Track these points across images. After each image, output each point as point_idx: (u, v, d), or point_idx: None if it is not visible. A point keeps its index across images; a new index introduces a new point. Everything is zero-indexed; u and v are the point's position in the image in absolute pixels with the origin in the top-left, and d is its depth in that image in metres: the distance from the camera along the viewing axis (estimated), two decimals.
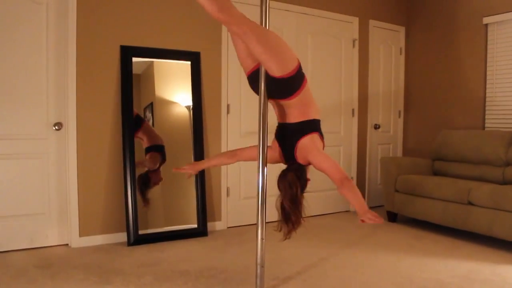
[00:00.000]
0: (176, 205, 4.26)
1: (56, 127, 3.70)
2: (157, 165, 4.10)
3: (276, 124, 2.67)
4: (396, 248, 3.79)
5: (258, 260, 2.70)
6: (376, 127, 5.44)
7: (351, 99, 5.21)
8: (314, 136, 2.51)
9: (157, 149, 4.13)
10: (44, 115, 3.69)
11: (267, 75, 2.44)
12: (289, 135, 2.55)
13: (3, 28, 3.52)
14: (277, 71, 2.36)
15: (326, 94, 5.00)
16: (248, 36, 2.27)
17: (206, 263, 3.36)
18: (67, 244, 3.77)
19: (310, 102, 2.54)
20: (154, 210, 4.09)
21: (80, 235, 3.77)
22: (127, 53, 3.91)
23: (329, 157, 2.47)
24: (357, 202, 2.31)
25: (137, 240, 3.82)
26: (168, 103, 4.18)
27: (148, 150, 4.10)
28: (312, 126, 2.54)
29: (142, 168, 4.01)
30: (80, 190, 3.77)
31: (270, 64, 2.35)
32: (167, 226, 4.08)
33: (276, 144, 2.63)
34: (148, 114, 4.15)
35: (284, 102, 2.51)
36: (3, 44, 3.53)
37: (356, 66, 5.22)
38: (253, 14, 2.67)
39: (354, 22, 5.19)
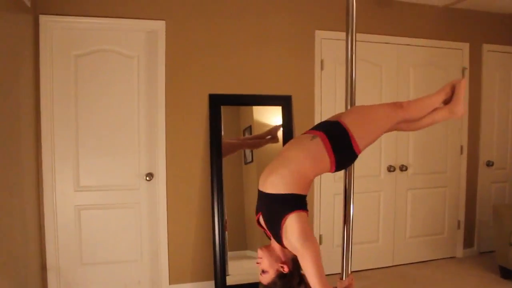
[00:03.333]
0: None
1: (147, 178, 3.78)
2: None
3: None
4: None
5: None
6: (489, 164, 4.84)
7: (459, 135, 4.69)
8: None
9: None
10: (136, 166, 3.79)
11: None
12: None
13: (102, 84, 3.67)
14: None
15: (430, 131, 4.53)
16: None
17: None
18: None
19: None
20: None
21: (170, 283, 3.84)
22: (215, 102, 3.86)
23: None
24: None
25: None
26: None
27: None
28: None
29: None
30: (170, 238, 3.82)
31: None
32: None
33: None
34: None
35: None
36: (101, 99, 3.68)
37: (466, 97, 4.67)
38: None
39: (464, 48, 4.64)
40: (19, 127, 3.06)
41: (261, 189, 2.03)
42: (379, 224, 4.45)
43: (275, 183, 1.96)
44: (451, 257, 4.77)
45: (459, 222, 4.75)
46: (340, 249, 4.26)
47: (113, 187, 3.75)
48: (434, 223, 4.67)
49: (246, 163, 4.12)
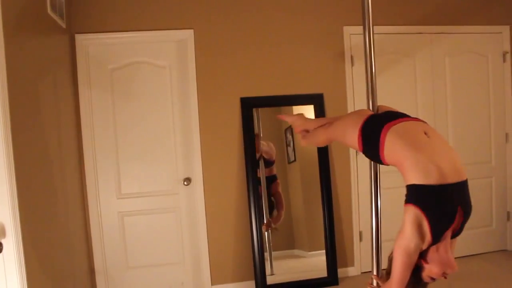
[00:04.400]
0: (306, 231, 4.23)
1: (185, 183, 3.90)
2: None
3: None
4: None
5: None
6: None
7: (503, 123, 4.49)
8: (409, 209, 1.69)
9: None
10: (174, 172, 3.92)
11: None
12: None
13: (137, 94, 3.83)
14: (356, 148, 2.01)
15: (471, 120, 4.40)
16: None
17: None
18: None
19: (402, 159, 1.74)
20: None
21: (212, 284, 3.94)
22: (247, 104, 3.93)
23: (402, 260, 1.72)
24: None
25: None
26: None
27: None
28: (409, 194, 1.72)
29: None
30: (210, 240, 3.93)
31: (351, 147, 2.27)
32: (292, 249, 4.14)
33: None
34: (289, 136, 4.12)
35: None
36: (138, 109, 3.84)
37: (508, 83, 4.46)
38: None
39: (504, 31, 4.43)
40: (61, 140, 3.26)
41: (458, 179, 1.69)
42: None
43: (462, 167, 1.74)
44: (501, 250, 4.59)
45: (508, 213, 4.56)
46: (384, 245, 4.24)
47: (153, 193, 3.90)
48: (481, 215, 4.50)
49: (289, 163, 4.15)
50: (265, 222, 3.99)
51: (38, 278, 2.47)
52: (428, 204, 1.66)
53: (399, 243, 1.71)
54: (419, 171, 1.67)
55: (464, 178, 1.72)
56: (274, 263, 4.03)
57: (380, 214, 2.22)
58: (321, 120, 2.34)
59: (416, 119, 1.92)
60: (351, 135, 1.95)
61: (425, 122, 1.90)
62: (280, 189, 4.07)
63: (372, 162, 2.08)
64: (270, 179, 4.05)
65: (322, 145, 2.52)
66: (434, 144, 1.76)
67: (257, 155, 3.98)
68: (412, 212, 1.67)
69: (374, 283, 2.06)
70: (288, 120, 2.55)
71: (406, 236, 1.68)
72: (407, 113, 1.93)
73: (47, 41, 3.09)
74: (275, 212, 4.07)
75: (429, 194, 1.66)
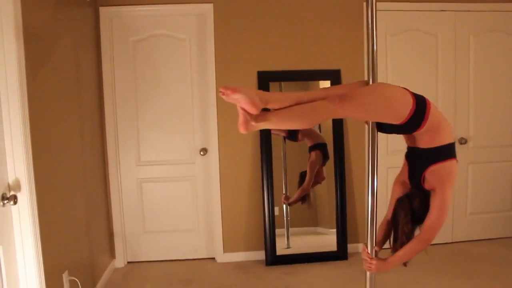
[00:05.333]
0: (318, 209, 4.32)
1: (202, 153, 4.04)
2: (320, 163, 4.16)
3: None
4: None
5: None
6: None
7: None
8: (454, 163, 2.14)
9: (319, 147, 4.16)
10: (191, 142, 4.06)
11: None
12: (418, 159, 2.21)
13: (157, 66, 3.97)
14: (395, 121, 2.11)
15: (496, 102, 4.29)
16: (347, 114, 2.09)
17: None
18: (213, 258, 4.14)
19: (440, 124, 2.13)
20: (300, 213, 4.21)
21: (224, 251, 4.09)
22: (264, 78, 3.99)
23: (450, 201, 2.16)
24: (402, 256, 2.16)
25: (273, 261, 3.96)
26: None
27: (311, 149, 4.16)
28: (450, 151, 2.15)
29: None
30: (224, 209, 4.07)
31: (386, 120, 2.12)
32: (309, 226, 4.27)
33: (405, 162, 2.30)
34: None
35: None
36: (158, 80, 3.98)
37: None
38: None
39: None
40: (86, 109, 3.46)
41: None
42: None
43: None
44: None
45: None
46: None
47: (170, 161, 4.06)
48: (501, 200, 4.42)
49: None
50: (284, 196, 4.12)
51: (51, 233, 2.65)
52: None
53: (436, 225, 2.12)
54: (451, 134, 2.13)
55: None
56: (295, 238, 4.14)
57: (377, 191, 2.25)
58: (291, 96, 1.99)
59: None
60: (404, 106, 2.02)
61: None
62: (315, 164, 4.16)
63: (369, 144, 2.18)
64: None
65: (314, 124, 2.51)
66: None
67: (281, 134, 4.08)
68: (455, 166, 2.12)
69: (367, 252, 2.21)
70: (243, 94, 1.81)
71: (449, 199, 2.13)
72: (425, 95, 2.11)
73: (73, 13, 3.27)
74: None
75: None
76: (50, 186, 2.69)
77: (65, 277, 2.85)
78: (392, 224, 2.24)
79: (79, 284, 2.96)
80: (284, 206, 4.12)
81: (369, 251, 2.20)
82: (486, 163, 4.35)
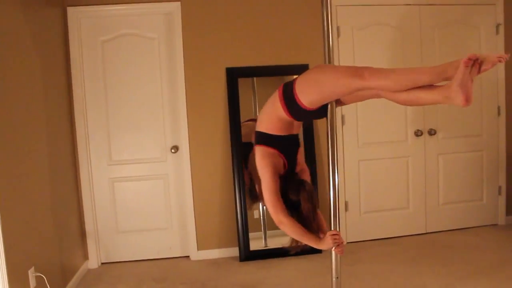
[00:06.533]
0: None
1: (173, 150, 4.04)
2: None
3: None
4: None
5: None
6: None
7: (495, 95, 4.43)
8: None
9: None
10: (162, 140, 4.07)
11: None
12: (294, 146, 2.42)
13: (127, 65, 3.98)
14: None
15: None
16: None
17: None
18: (188, 256, 4.12)
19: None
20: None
21: (198, 249, 4.08)
22: (233, 74, 4.02)
23: None
24: None
25: (247, 256, 3.96)
26: None
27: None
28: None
29: None
30: (196, 206, 4.06)
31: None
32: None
33: (277, 152, 2.32)
34: None
35: None
36: (128, 80, 4.00)
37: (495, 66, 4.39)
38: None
39: (497, 3, 4.36)
40: (55, 109, 3.45)
41: None
42: (409, 190, 4.36)
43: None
44: (492, 225, 4.55)
45: (500, 187, 4.51)
46: (368, 216, 4.32)
47: (142, 160, 4.06)
48: (471, 189, 4.48)
49: None
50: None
51: (15, 229, 2.64)
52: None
53: None
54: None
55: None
56: (273, 240, 4.09)
57: (338, 183, 2.39)
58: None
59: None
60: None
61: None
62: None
63: (329, 139, 2.27)
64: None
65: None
66: None
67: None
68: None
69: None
70: None
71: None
72: None
73: (40, 13, 3.30)
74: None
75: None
76: (12, 186, 2.67)
77: (31, 273, 2.82)
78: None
79: (46, 280, 2.93)
80: (261, 206, 4.12)
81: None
82: (456, 153, 4.42)
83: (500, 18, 4.38)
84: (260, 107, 2.38)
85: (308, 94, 2.13)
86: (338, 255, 2.32)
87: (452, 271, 3.48)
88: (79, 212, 3.94)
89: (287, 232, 2.21)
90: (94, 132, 3.98)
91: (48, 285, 2.94)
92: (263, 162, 2.25)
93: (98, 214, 4.03)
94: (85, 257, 3.98)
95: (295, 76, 3.94)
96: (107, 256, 4.07)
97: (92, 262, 3.99)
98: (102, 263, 4.06)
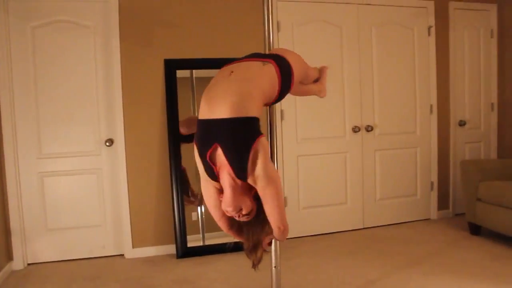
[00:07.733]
0: None
1: (108, 144, 3.87)
2: None
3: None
4: (466, 271, 3.25)
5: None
6: (462, 123, 4.76)
7: (428, 94, 4.63)
8: None
9: None
10: (96, 132, 3.89)
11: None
12: None
13: (60, 54, 3.78)
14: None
15: (397, 91, 4.52)
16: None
17: (240, 282, 3.26)
18: (122, 255, 3.95)
19: None
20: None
21: (133, 247, 3.92)
22: (170, 66, 3.93)
23: None
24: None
25: (185, 253, 3.84)
26: None
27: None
28: None
29: None
30: (132, 203, 3.91)
31: None
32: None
33: None
34: None
35: None
36: (61, 69, 3.79)
37: (433, 56, 4.60)
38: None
39: (428, 6, 4.57)
40: None
41: (213, 116, 1.79)
42: (347, 186, 4.42)
43: (241, 105, 1.76)
44: (425, 219, 4.71)
45: (432, 183, 4.69)
46: (307, 211, 4.34)
47: (75, 153, 3.86)
48: (406, 185, 4.62)
49: None
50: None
51: None
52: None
53: None
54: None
55: (219, 117, 1.78)
56: (213, 240, 3.96)
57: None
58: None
59: (253, 59, 2.06)
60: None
61: (266, 62, 2.00)
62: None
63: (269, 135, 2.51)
64: None
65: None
66: (220, 85, 1.89)
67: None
68: None
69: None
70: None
71: None
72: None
73: None
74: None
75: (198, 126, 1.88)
76: None
77: None
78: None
79: None
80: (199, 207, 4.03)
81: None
82: (392, 149, 4.54)
83: (431, 21, 4.58)
84: (199, 101, 2.15)
85: (297, 75, 2.16)
86: (278, 243, 2.29)
87: (388, 261, 3.55)
88: (3, 208, 3.66)
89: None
90: (23, 124, 3.73)
91: None
92: (272, 163, 1.83)
93: (25, 211, 3.76)
94: (9, 257, 3.70)
95: None
96: (34, 256, 3.81)
97: (17, 263, 3.71)
98: (29, 264, 3.79)
